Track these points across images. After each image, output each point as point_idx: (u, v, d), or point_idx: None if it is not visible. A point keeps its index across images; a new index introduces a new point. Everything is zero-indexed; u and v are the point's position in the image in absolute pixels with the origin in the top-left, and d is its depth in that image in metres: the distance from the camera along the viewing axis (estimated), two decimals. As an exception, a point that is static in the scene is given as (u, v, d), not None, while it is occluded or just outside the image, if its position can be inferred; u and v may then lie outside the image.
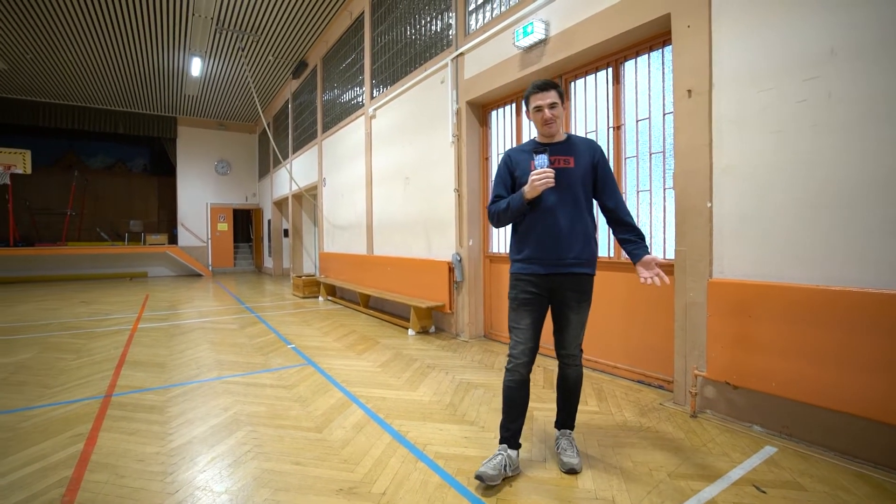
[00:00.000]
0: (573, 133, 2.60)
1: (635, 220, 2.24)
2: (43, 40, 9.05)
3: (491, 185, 4.99)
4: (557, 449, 2.28)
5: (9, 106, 12.39)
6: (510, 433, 2.13)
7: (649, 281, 2.03)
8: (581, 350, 2.26)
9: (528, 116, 2.20)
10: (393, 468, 2.23)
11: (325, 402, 3.14)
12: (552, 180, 1.99)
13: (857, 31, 2.19)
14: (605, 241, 3.80)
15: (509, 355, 2.16)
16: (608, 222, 2.24)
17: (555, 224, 2.09)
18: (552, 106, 2.10)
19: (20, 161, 11.84)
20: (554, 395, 3.18)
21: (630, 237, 2.16)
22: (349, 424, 2.77)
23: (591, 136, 3.90)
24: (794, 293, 2.37)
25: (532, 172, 2.02)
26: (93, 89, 12.07)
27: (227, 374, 3.82)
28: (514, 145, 4.68)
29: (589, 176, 2.15)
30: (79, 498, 1.99)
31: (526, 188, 2.04)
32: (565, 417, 2.34)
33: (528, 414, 2.84)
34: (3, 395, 3.33)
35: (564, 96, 2.18)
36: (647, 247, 2.14)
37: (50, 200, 14.56)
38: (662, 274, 2.03)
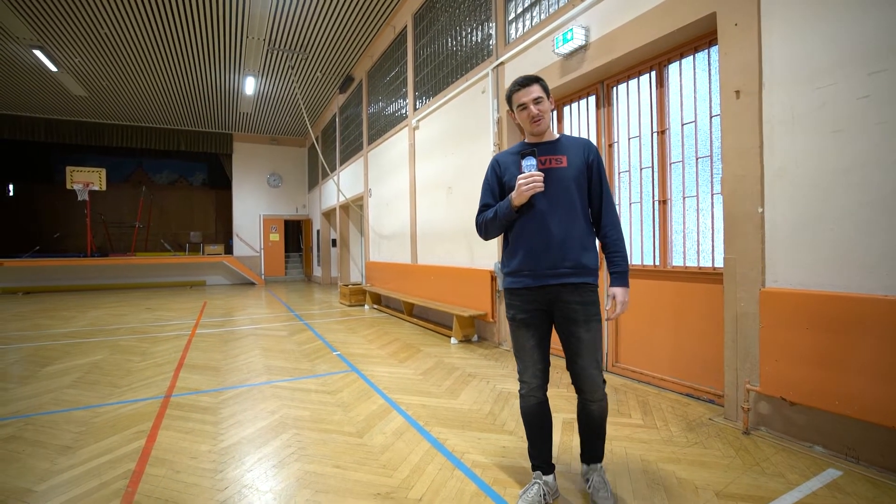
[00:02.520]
0: (567, 133, 2.42)
1: (624, 237, 2.01)
2: (118, 69, 9.91)
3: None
4: (589, 488, 2.01)
5: (88, 129, 13.61)
6: (540, 459, 2.01)
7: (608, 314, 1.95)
8: (604, 380, 1.95)
9: (514, 118, 2.04)
10: (430, 475, 2.25)
11: (367, 408, 3.21)
12: (541, 184, 1.82)
13: (925, 21, 2.04)
14: (651, 249, 3.69)
15: (520, 381, 2.01)
16: (595, 232, 2.03)
17: (546, 230, 1.89)
18: (537, 101, 1.92)
19: (97, 179, 12.95)
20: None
21: (610, 257, 1.98)
22: (389, 430, 2.82)
23: (635, 142, 3.81)
24: (857, 303, 2.21)
25: (519, 176, 1.85)
26: (158, 111, 13.05)
27: (275, 378, 3.99)
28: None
29: (583, 176, 1.95)
30: (140, 489, 2.14)
31: (513, 194, 1.87)
32: (592, 452, 2.05)
33: (561, 421, 2.80)
34: (80, 393, 3.63)
35: (550, 91, 1.99)
36: (623, 275, 1.95)
37: (122, 214, 15.82)
38: (617, 310, 1.93)
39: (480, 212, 2.08)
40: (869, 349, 2.16)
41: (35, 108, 12.52)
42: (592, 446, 2.03)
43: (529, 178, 1.82)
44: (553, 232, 1.89)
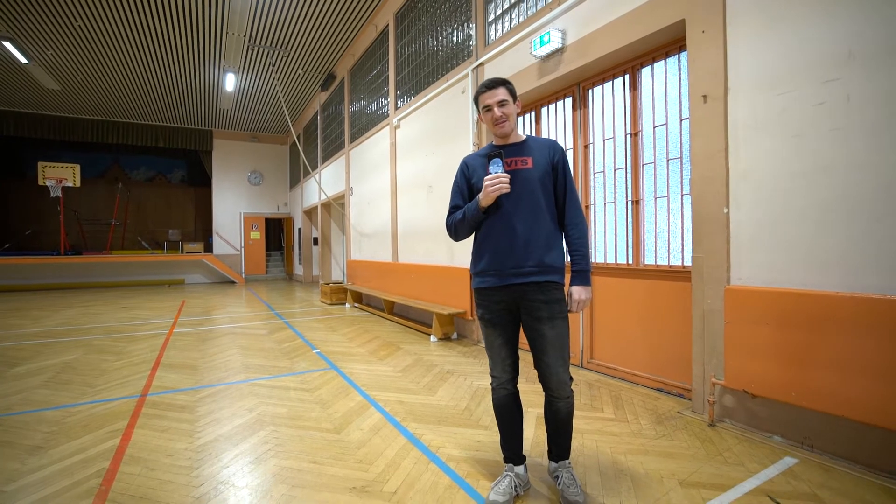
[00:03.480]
0: (533, 135, 2.38)
1: (588, 235, 2.06)
2: (92, 62, 9.68)
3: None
4: (558, 484, 2.03)
5: (61, 124, 13.26)
6: (512, 451, 2.08)
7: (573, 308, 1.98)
8: (571, 378, 2.00)
9: (481, 119, 2.09)
10: (405, 469, 2.30)
11: (345, 405, 3.24)
12: (507, 185, 1.87)
13: (875, 32, 2.15)
14: (624, 247, 3.79)
15: (492, 375, 2.08)
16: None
17: (511, 230, 1.94)
18: (502, 104, 1.97)
19: (70, 175, 12.60)
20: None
21: (571, 256, 2.01)
22: (366, 426, 2.85)
23: (609, 144, 3.91)
24: (814, 300, 2.32)
25: (485, 178, 1.90)
26: (135, 106, 12.78)
27: (253, 377, 3.98)
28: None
29: (549, 177, 1.99)
30: (114, 487, 2.14)
31: (480, 195, 1.92)
32: (560, 450, 2.08)
33: (535, 416, 2.88)
34: (52, 393, 3.57)
35: (517, 94, 2.05)
36: (582, 274, 1.98)
37: (97, 211, 15.44)
38: (573, 308, 1.97)
39: (451, 213, 2.12)
40: (825, 343, 2.27)
41: (4, 102, 12.14)
42: (560, 444, 2.07)
43: (496, 179, 1.87)
44: (517, 232, 1.93)
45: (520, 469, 2.07)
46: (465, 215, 2.01)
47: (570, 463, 2.07)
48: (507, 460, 2.09)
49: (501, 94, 1.97)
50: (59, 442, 2.66)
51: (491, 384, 2.09)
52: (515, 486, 2.00)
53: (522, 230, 1.93)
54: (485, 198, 1.90)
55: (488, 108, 2.00)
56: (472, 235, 2.12)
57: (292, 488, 2.12)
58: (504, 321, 2.01)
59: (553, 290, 1.95)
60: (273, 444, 2.61)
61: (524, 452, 2.14)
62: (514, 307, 2.00)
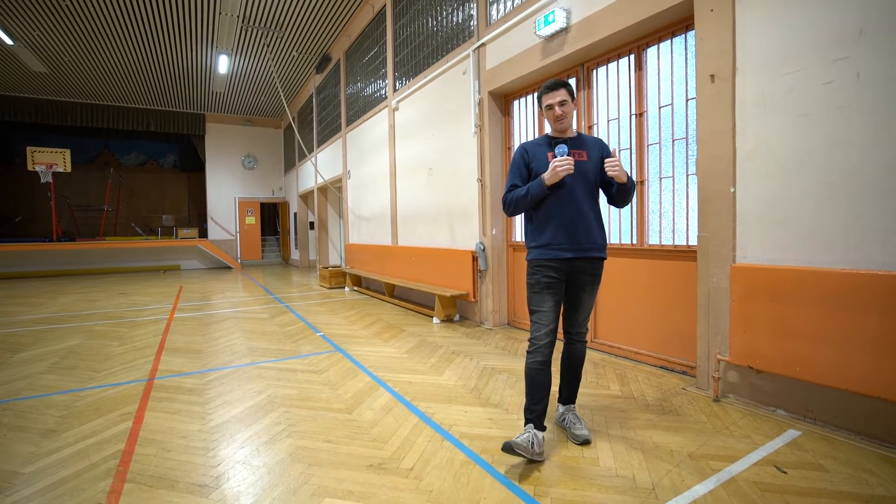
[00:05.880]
0: (582, 130, 2.67)
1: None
2: (80, 44, 9.45)
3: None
4: (565, 423, 2.45)
5: (49, 107, 12.98)
6: (535, 415, 2.17)
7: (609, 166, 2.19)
8: (587, 327, 2.45)
9: (542, 115, 2.38)
10: (420, 447, 2.34)
11: (354, 386, 3.27)
12: (573, 167, 2.14)
13: (888, 10, 2.15)
14: (628, 228, 3.81)
15: (531, 339, 2.24)
16: (611, 199, 2.39)
17: (577, 210, 2.23)
18: (562, 103, 2.26)
19: (61, 160, 12.39)
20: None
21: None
22: (377, 406, 2.89)
23: (614, 124, 3.90)
24: (818, 277, 2.36)
25: (554, 160, 2.15)
26: (125, 89, 12.52)
27: (259, 360, 4.00)
28: (537, 135, 4.71)
29: (598, 170, 2.31)
30: (132, 468, 2.16)
31: (546, 175, 2.17)
32: (570, 393, 2.50)
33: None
34: (57, 378, 3.58)
35: (575, 94, 2.33)
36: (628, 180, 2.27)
37: (89, 197, 15.26)
38: (616, 164, 2.19)
39: (509, 191, 2.35)
40: (829, 319, 2.32)
41: (-10, 85, 11.87)
42: (571, 388, 2.49)
43: (565, 161, 2.13)
44: (582, 212, 2.24)
45: (539, 434, 2.14)
46: (528, 192, 2.24)
47: (575, 406, 2.51)
48: (528, 422, 2.18)
49: (562, 94, 2.26)
50: (71, 425, 2.67)
51: (528, 350, 2.25)
52: (533, 443, 2.07)
53: (585, 211, 2.24)
54: (552, 177, 2.15)
55: (550, 107, 2.28)
56: (523, 214, 2.41)
57: (309, 466, 2.16)
58: (557, 287, 2.26)
59: (599, 266, 2.34)
60: (286, 424, 2.63)
61: (545, 423, 2.22)
62: (566, 276, 2.28)
